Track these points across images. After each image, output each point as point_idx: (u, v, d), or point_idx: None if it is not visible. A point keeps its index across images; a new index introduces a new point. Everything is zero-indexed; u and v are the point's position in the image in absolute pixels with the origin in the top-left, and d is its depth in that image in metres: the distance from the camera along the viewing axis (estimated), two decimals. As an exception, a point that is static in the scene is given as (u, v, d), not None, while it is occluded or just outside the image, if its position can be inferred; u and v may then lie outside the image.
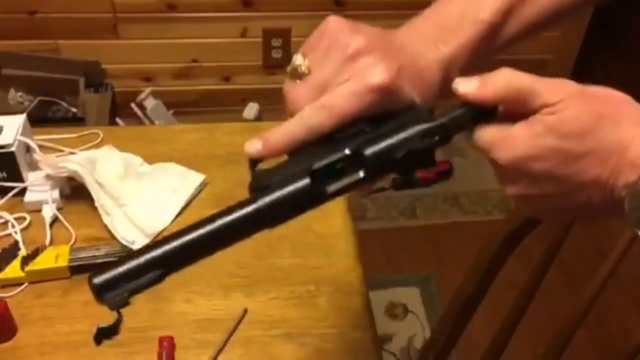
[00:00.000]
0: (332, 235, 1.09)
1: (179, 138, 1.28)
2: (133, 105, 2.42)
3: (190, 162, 1.20)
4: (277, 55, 2.55)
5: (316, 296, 0.99)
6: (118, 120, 2.42)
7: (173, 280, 1.05)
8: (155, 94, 2.46)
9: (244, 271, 1.02)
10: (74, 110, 2.28)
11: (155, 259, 0.51)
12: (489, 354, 1.19)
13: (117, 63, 2.49)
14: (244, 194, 0.52)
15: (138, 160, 1.18)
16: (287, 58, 2.56)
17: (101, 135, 1.25)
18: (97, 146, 1.21)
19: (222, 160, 1.23)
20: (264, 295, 0.99)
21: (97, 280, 0.50)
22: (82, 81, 2.37)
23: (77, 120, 2.24)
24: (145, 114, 2.44)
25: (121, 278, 0.50)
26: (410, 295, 2.18)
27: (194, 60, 2.55)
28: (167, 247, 0.52)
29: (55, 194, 1.09)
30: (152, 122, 2.44)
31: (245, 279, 1.01)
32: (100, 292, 0.50)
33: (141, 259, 0.51)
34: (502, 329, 1.16)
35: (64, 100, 2.33)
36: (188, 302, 0.97)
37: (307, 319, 0.96)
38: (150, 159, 1.20)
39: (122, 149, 1.21)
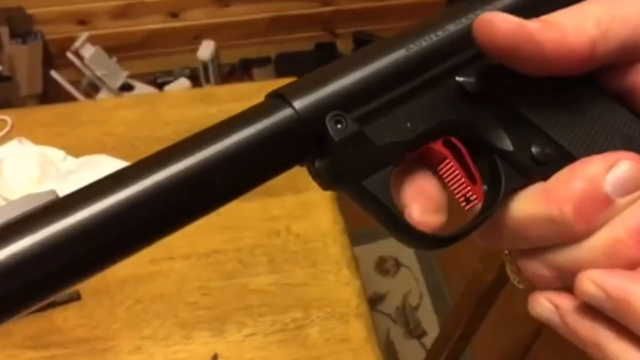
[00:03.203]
0: (317, 237, 0.85)
1: (112, 117, 1.01)
2: (69, 54, 2.10)
3: (128, 149, 0.94)
4: (229, -17, 2.23)
5: (305, 326, 0.77)
6: (54, 74, 2.10)
7: (115, 322, 0.83)
8: (94, 39, 2.14)
9: (208, 299, 0.79)
10: (-2, 68, 1.96)
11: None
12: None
13: (44, 6, 2.15)
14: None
15: (59, 154, 0.92)
16: (242, -15, 2.24)
17: (9, 123, 0.97)
18: (5, 139, 0.94)
19: (169, 143, 0.97)
20: (238, 332, 0.76)
21: None
22: (5, 31, 2.06)
23: (3, 80, 1.93)
24: (84, 64, 2.13)
25: None
26: (400, 247, 1.98)
27: (134, -4, 2.21)
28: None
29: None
30: (93, 73, 2.13)
31: (211, 311, 0.78)
32: None
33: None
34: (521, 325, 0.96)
35: (-15, 56, 2.00)
36: (138, 353, 0.74)
37: (296, 362, 0.74)
38: (75, 150, 0.93)
39: (37, 139, 0.94)
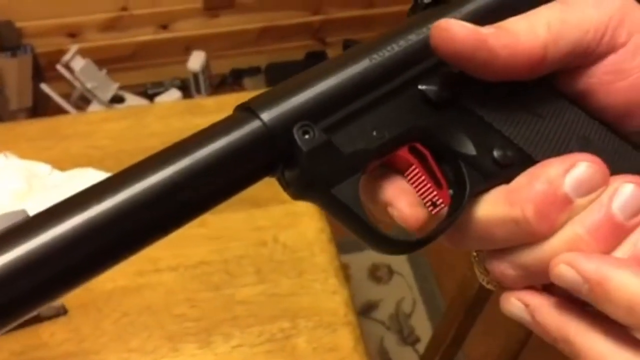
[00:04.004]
0: (304, 247, 0.85)
1: (99, 130, 1.00)
2: (59, 67, 2.10)
3: (114, 162, 0.93)
4: (218, -6, 2.23)
5: (292, 336, 0.77)
6: (44, 87, 2.10)
7: (102, 335, 0.82)
8: (84, 52, 2.14)
9: (195, 311, 0.79)
10: (-13, 82, 1.95)
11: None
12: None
13: (33, 19, 2.15)
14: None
15: (45, 168, 0.92)
16: (230, -4, 2.25)
17: (-5, 138, 0.97)
18: (-9, 153, 0.94)
19: (155, 155, 0.97)
20: (225, 343, 0.76)
21: None
22: (-6, 45, 2.04)
23: (-8, 94, 1.93)
24: (75, 77, 2.13)
25: None
26: (393, 254, 1.98)
27: (124, 8, 2.21)
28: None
29: None
30: (83, 86, 2.13)
31: (198, 323, 0.78)
32: None
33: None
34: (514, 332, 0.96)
35: (-26, 70, 2.00)
36: (125, 366, 0.74)
37: (283, 372, 0.73)
38: (61, 164, 0.93)
39: (23, 153, 0.94)
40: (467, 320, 1.01)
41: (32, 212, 0.30)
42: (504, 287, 0.31)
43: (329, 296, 0.80)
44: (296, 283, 0.82)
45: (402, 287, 1.92)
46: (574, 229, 0.27)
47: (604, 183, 0.28)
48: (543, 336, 0.29)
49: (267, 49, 2.40)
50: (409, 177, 0.30)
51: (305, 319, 0.78)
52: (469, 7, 0.31)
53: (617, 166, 0.30)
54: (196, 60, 2.27)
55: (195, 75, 2.28)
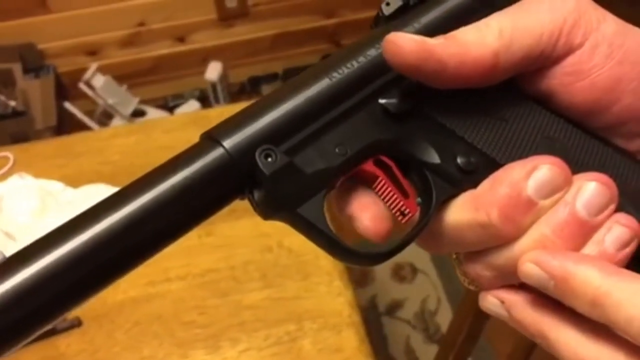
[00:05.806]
0: (309, 250, 0.87)
1: (109, 146, 1.04)
2: (81, 85, 2.16)
3: (124, 177, 0.96)
4: (232, 5, 2.26)
5: (298, 338, 0.78)
6: (67, 105, 2.16)
7: (116, 345, 0.85)
8: (104, 69, 2.19)
9: (204, 318, 0.81)
10: (12, 103, 2.01)
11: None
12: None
13: (54, 40, 2.21)
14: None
15: (58, 186, 0.95)
16: (243, 5, 2.28)
17: (11, 159, 1.01)
18: (7, 174, 0.98)
19: (164, 167, 0.99)
20: (232, 348, 0.78)
21: None
22: (17, 68, 2.11)
23: (18, 115, 1.99)
24: (96, 94, 2.18)
25: None
26: (416, 252, 1.98)
27: (141, 24, 2.26)
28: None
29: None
30: (105, 102, 2.18)
31: (206, 329, 0.80)
32: None
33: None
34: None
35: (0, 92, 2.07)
36: (137, 374, 0.76)
37: (290, 374, 0.75)
38: (74, 181, 0.97)
39: (38, 172, 0.97)
40: (480, 315, 1.02)
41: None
42: (482, 287, 0.31)
43: (334, 298, 0.82)
44: (301, 286, 0.83)
45: (426, 285, 1.92)
46: (540, 230, 0.28)
47: (567, 184, 0.28)
48: (521, 331, 0.30)
49: (283, 55, 2.42)
50: (377, 189, 0.31)
51: (311, 321, 0.79)
52: (427, 18, 0.31)
53: (585, 163, 0.30)
54: (213, 71, 2.30)
55: (214, 85, 2.31)
